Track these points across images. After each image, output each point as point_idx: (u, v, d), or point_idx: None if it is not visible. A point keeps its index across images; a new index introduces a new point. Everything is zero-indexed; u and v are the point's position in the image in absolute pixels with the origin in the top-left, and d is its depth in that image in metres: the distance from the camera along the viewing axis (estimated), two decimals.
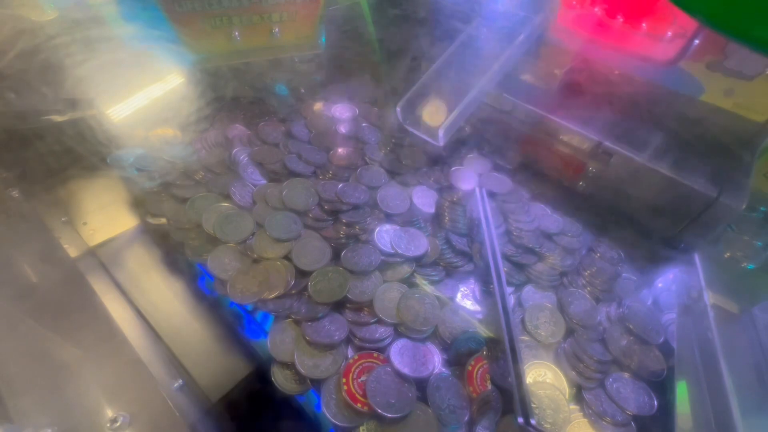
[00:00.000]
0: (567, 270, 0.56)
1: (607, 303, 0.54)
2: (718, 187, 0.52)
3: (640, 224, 0.60)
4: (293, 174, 0.64)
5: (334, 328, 0.48)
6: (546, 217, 0.61)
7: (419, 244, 0.56)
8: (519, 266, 0.56)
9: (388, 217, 0.61)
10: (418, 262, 0.55)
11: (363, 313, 0.50)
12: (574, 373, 0.46)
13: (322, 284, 0.51)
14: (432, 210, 0.63)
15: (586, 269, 0.56)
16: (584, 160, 0.62)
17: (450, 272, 0.56)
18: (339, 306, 0.51)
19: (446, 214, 0.61)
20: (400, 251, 0.55)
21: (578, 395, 0.46)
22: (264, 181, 0.64)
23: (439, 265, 0.56)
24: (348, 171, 0.66)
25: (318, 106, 0.78)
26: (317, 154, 0.67)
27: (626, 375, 0.47)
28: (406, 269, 0.54)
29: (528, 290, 0.54)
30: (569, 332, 0.50)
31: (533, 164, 0.69)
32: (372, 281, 0.52)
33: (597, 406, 0.44)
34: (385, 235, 0.57)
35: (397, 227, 0.58)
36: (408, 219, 0.60)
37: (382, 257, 0.54)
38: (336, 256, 0.55)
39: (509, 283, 0.55)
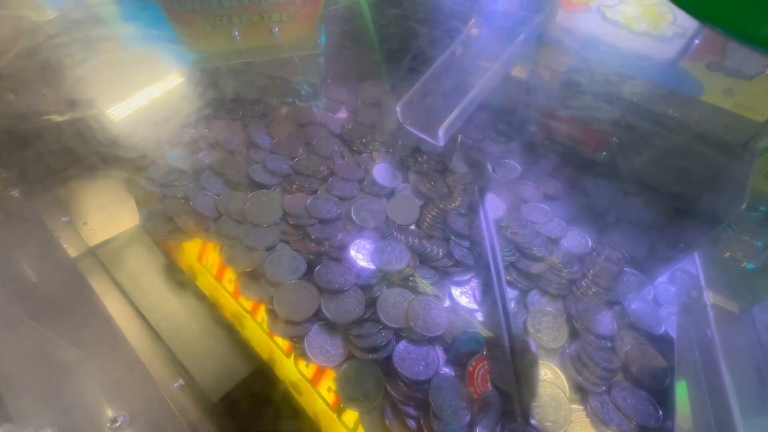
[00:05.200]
0: (574, 277, 0.55)
1: (612, 306, 0.53)
2: (729, 156, 0.55)
3: (659, 189, 0.62)
4: (257, 185, 0.61)
5: (330, 344, 0.47)
6: (549, 222, 0.61)
7: (401, 257, 0.53)
8: (525, 273, 0.55)
9: (363, 231, 0.57)
10: (400, 273, 0.53)
11: (366, 324, 0.49)
12: (580, 378, 0.46)
13: (289, 298, 0.49)
14: (413, 219, 0.61)
15: (590, 269, 0.56)
16: (607, 132, 0.64)
17: (448, 273, 0.56)
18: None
19: (427, 220, 0.60)
20: (381, 266, 0.52)
21: (582, 398, 0.46)
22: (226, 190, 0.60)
23: (436, 269, 0.55)
24: (318, 181, 0.63)
25: (285, 110, 0.75)
26: (283, 164, 0.63)
27: (630, 384, 0.46)
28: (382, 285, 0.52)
29: (534, 294, 0.54)
30: (573, 336, 0.50)
31: (554, 139, 0.71)
32: (352, 298, 0.50)
33: (603, 414, 0.44)
34: (361, 251, 0.54)
35: (374, 241, 0.55)
36: (384, 232, 0.58)
37: (359, 276, 0.51)
38: (310, 270, 0.52)
39: (516, 288, 0.55)
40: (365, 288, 0.51)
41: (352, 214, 0.58)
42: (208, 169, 0.61)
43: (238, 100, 0.74)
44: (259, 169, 0.62)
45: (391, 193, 0.64)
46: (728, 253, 0.54)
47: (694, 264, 0.54)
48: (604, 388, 0.46)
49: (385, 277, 0.52)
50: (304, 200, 0.58)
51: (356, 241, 0.55)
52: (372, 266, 0.52)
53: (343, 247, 0.54)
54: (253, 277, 0.52)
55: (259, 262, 0.52)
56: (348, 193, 0.61)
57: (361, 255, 0.54)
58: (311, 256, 0.54)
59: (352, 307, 0.49)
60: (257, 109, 0.74)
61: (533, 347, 0.48)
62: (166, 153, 0.62)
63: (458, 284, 0.55)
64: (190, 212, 0.57)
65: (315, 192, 0.62)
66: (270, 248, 0.53)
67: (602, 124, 0.65)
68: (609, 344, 0.49)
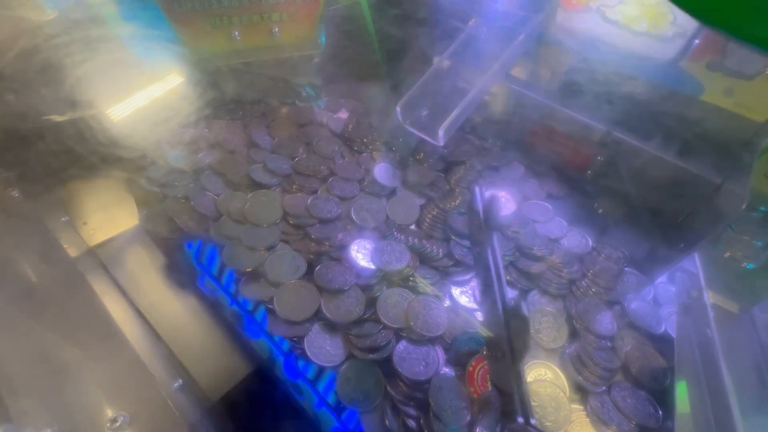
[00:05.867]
0: (574, 276, 0.55)
1: (612, 306, 0.53)
2: (723, 175, 0.54)
3: (646, 211, 0.62)
4: (258, 185, 0.60)
5: (330, 344, 0.47)
6: (550, 221, 0.61)
7: (401, 257, 0.53)
8: (525, 273, 0.55)
9: (363, 231, 0.57)
10: (400, 273, 0.53)
11: (366, 324, 0.48)
12: (580, 378, 0.46)
13: (289, 298, 0.49)
14: (413, 219, 0.60)
15: (590, 269, 0.56)
16: (593, 150, 0.64)
17: (448, 273, 0.56)
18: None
19: (428, 220, 0.60)
20: (381, 266, 0.52)
21: (582, 398, 0.46)
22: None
23: (436, 269, 0.55)
24: (318, 181, 0.63)
25: (285, 110, 0.74)
26: (283, 163, 0.63)
27: (630, 384, 0.46)
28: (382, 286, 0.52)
29: (534, 294, 0.54)
30: (573, 336, 0.50)
31: (539, 154, 0.70)
32: (352, 298, 0.49)
33: (603, 414, 0.44)
34: (361, 251, 0.54)
35: (374, 241, 0.55)
36: (384, 232, 0.57)
37: (359, 275, 0.51)
38: (310, 270, 0.52)
39: (515, 288, 0.55)
40: (365, 288, 0.51)
41: (352, 213, 0.58)
42: (209, 169, 0.61)
43: (238, 100, 0.74)
44: (259, 169, 0.62)
45: (391, 193, 0.64)
46: (728, 253, 0.54)
47: (694, 264, 0.54)
48: (604, 388, 0.45)
49: (385, 277, 0.52)
50: (304, 200, 0.58)
51: (356, 241, 0.55)
52: (372, 266, 0.52)
53: (344, 247, 0.54)
54: (253, 277, 0.52)
55: (260, 262, 0.52)
56: (348, 193, 0.61)
57: (361, 255, 0.54)
58: (311, 256, 0.54)
59: (352, 307, 0.49)
60: (257, 109, 0.74)
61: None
62: (166, 153, 0.62)
63: (458, 284, 0.55)
64: (190, 212, 0.57)
65: (315, 192, 0.61)
66: (270, 248, 0.53)
67: (586, 142, 0.64)
68: (609, 344, 0.49)
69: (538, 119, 0.67)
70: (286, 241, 0.55)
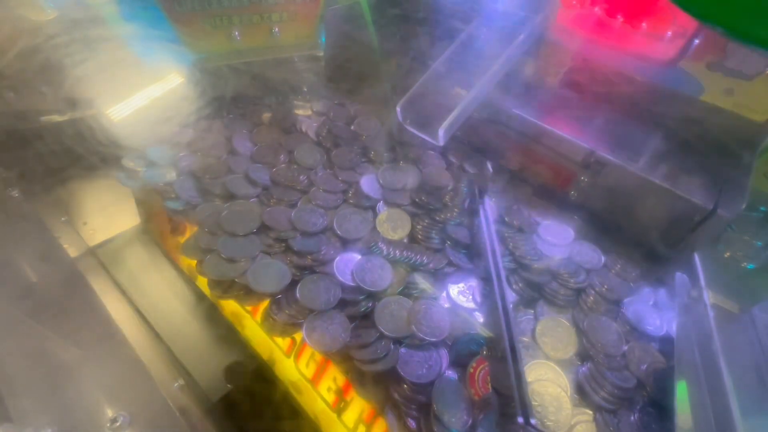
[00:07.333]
0: (581, 286, 0.54)
1: (617, 312, 0.52)
2: (715, 199, 0.50)
3: (634, 235, 0.58)
4: (232, 196, 0.58)
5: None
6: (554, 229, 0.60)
7: (383, 275, 0.51)
8: (529, 282, 0.54)
9: (346, 244, 0.55)
10: (383, 293, 0.50)
11: (362, 331, 0.47)
12: (598, 398, 0.45)
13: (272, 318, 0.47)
14: (405, 233, 0.58)
15: (597, 279, 0.55)
16: (575, 170, 0.59)
17: (442, 274, 0.55)
18: None
19: (420, 229, 0.58)
20: (364, 286, 0.49)
21: (583, 398, 0.46)
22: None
23: (430, 272, 0.55)
24: (296, 193, 0.60)
25: (267, 115, 0.72)
26: (264, 173, 0.61)
27: (646, 403, 0.46)
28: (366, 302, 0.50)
29: (541, 305, 0.53)
30: (583, 353, 0.49)
31: (522, 171, 0.66)
32: (337, 322, 0.47)
33: (609, 420, 0.43)
34: (345, 266, 0.51)
35: (359, 256, 0.53)
36: (369, 245, 0.55)
37: (342, 293, 0.49)
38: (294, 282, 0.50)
39: (521, 296, 0.54)
40: (351, 304, 0.50)
41: (335, 226, 0.56)
42: (185, 173, 0.60)
43: (237, 100, 0.74)
44: (238, 179, 0.60)
45: (376, 205, 0.62)
46: (728, 253, 0.54)
47: (694, 264, 0.54)
48: (619, 407, 0.45)
49: (371, 296, 0.51)
50: (285, 212, 0.56)
51: (341, 256, 0.53)
52: (354, 284, 0.51)
53: (327, 262, 0.52)
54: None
55: (238, 273, 0.50)
56: (332, 204, 0.59)
57: (345, 271, 0.52)
58: (293, 270, 0.51)
59: (338, 333, 0.46)
60: (253, 110, 0.74)
61: None
62: (151, 152, 0.61)
63: (455, 282, 0.54)
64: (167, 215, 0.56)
65: (294, 205, 0.59)
66: (252, 259, 0.52)
67: (569, 161, 0.59)
68: (620, 359, 0.48)
69: (516, 133, 0.63)
70: (268, 253, 0.53)
